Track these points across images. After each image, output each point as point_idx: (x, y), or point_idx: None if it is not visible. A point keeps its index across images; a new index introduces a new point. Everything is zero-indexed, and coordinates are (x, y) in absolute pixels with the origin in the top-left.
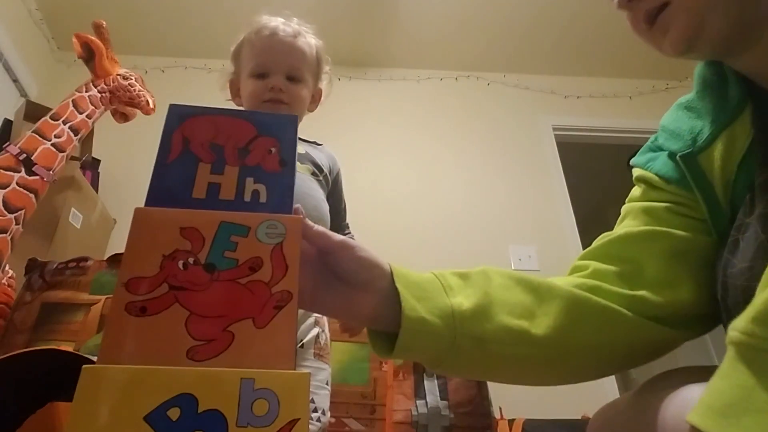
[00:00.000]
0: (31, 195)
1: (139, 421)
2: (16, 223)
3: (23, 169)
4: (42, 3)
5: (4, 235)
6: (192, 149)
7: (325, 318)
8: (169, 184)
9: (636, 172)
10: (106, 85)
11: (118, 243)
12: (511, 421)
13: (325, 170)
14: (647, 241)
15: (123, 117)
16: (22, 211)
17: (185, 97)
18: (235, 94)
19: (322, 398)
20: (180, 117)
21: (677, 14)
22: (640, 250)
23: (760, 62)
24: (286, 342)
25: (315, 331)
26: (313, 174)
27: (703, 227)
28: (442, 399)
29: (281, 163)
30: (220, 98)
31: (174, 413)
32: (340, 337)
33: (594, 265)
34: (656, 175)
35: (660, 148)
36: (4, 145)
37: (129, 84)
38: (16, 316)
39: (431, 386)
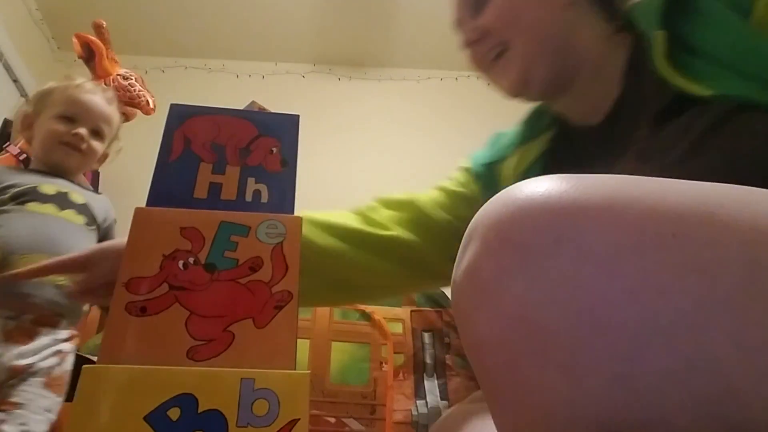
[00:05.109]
0: None
1: (139, 421)
2: None
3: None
4: (42, 3)
5: None
6: (193, 149)
7: (70, 352)
8: (170, 184)
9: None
10: (106, 85)
11: None
12: None
13: (99, 221)
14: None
15: (123, 117)
16: None
17: (185, 97)
18: (25, 128)
19: (37, 423)
20: (181, 117)
21: (514, 60)
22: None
23: (571, 104)
24: (286, 342)
25: (52, 361)
26: (87, 224)
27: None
28: (442, 399)
29: (282, 163)
30: (220, 98)
31: (174, 413)
32: (341, 337)
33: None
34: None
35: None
36: (4, 145)
37: (129, 84)
38: None
39: (431, 386)
